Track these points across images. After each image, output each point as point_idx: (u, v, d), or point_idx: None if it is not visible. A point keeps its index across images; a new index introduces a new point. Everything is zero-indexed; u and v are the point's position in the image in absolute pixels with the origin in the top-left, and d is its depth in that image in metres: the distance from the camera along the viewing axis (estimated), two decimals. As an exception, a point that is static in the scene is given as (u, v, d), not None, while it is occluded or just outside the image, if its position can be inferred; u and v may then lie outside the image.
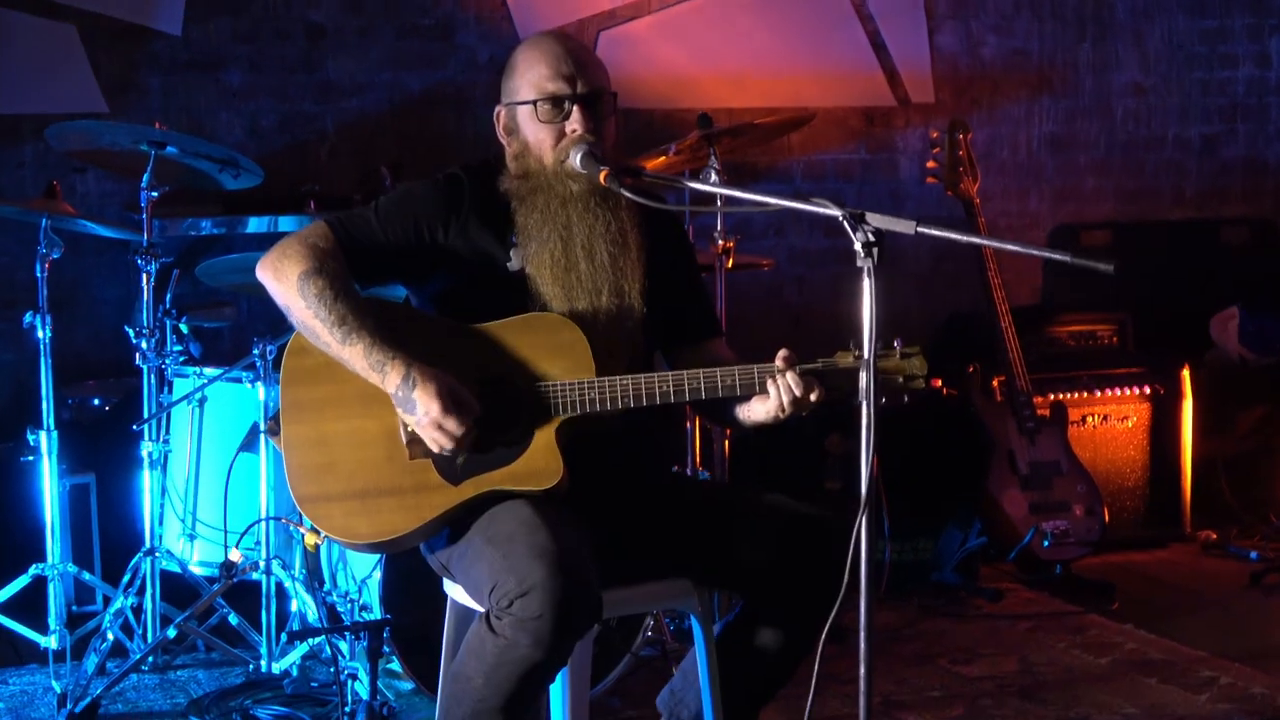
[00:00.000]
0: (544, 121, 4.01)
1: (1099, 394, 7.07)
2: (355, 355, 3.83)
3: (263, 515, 5.26)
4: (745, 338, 7.12)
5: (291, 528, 5.27)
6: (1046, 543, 6.42)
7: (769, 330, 7.78)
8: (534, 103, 4.01)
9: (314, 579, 5.37)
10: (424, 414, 3.77)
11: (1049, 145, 8.32)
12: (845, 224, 3.56)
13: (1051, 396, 6.88)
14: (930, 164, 6.83)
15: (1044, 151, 8.32)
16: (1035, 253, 3.65)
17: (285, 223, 6.62)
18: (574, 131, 3.99)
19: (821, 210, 3.64)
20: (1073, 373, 7.07)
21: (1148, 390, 7.14)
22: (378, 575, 4.98)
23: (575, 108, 3.99)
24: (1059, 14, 8.25)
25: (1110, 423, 7.08)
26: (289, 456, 3.93)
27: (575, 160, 3.96)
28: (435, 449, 3.82)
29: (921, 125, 8.02)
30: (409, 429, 3.85)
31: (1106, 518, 6.56)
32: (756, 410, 3.95)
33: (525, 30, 7.38)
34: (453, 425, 3.76)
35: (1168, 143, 8.52)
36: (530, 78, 4.03)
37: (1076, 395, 7.02)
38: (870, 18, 7.92)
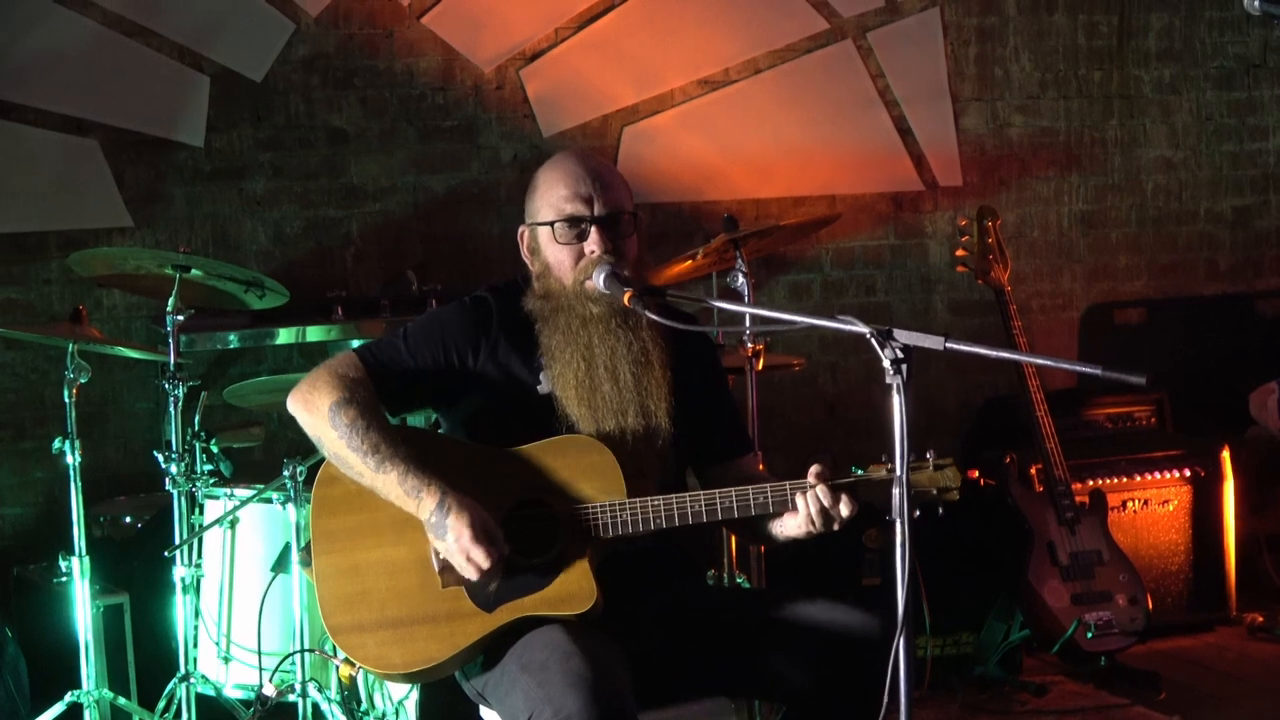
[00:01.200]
0: (562, 243, 4.07)
1: (1138, 478, 7.05)
2: (389, 483, 3.87)
3: (297, 640, 5.26)
4: (779, 429, 7.18)
5: (328, 660, 5.28)
6: (1090, 634, 6.39)
7: (803, 419, 7.79)
8: (552, 224, 4.06)
9: (350, 701, 5.37)
10: (454, 540, 3.81)
11: (1080, 223, 8.34)
12: (873, 341, 3.56)
13: (1090, 483, 6.86)
14: (960, 252, 6.85)
15: (1075, 229, 8.34)
16: (1066, 367, 3.67)
17: (313, 332, 6.68)
18: (592, 253, 4.04)
19: (849, 328, 3.65)
20: (1111, 457, 7.05)
21: (1188, 472, 7.12)
22: (415, 698, 4.99)
23: (594, 229, 4.04)
24: (1085, 91, 8.28)
25: (1151, 507, 7.06)
26: (321, 587, 3.96)
27: (598, 281, 3.99)
28: (466, 576, 3.85)
29: (950, 208, 8.05)
30: (441, 556, 3.87)
31: (1150, 606, 6.53)
32: (789, 526, 3.97)
33: (548, 128, 7.45)
34: (480, 556, 3.80)
35: (1200, 216, 8.53)
36: (550, 199, 4.08)
37: (1115, 480, 7.00)
38: (895, 102, 7.96)
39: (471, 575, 3.83)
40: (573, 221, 4.06)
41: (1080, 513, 6.61)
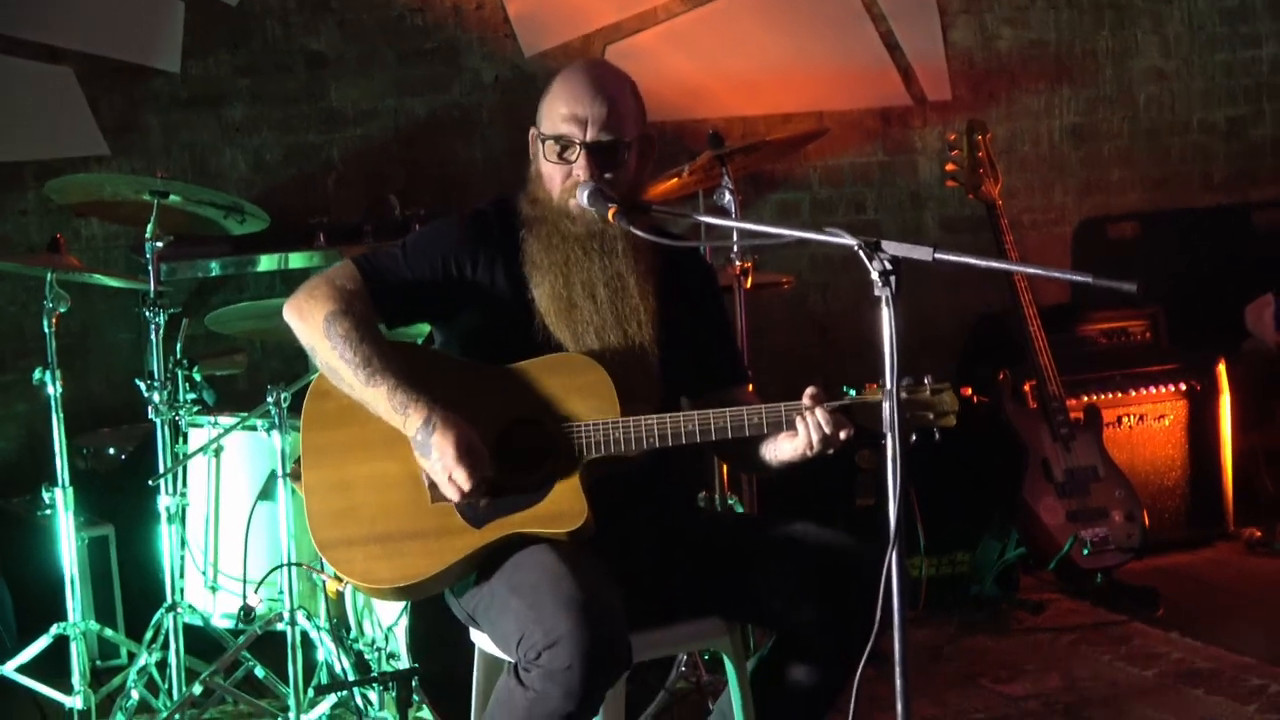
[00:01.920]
0: (551, 160, 4.05)
1: (1133, 393, 7.06)
2: (379, 397, 3.88)
3: (285, 558, 5.27)
4: (770, 352, 7.18)
5: (314, 575, 5.30)
6: (1086, 551, 6.42)
7: (795, 342, 7.80)
8: (544, 139, 4.06)
9: (340, 628, 5.39)
10: (437, 459, 3.82)
11: (1071, 137, 8.33)
12: (861, 254, 3.55)
13: (1085, 399, 6.88)
14: (950, 167, 6.84)
15: (1066, 143, 8.33)
16: (1057, 275, 3.66)
17: (295, 259, 6.67)
18: (576, 177, 4.02)
19: (837, 240, 3.63)
20: (1106, 372, 7.06)
21: (1184, 387, 7.13)
22: (404, 623, 5.01)
23: (583, 154, 4.01)
24: (1075, 2, 8.26)
25: (1146, 422, 7.07)
26: (310, 501, 3.97)
27: (581, 198, 3.98)
28: (446, 495, 3.86)
29: (939, 123, 8.03)
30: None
31: (1147, 522, 6.56)
32: (784, 448, 3.96)
33: (530, 48, 7.42)
34: (461, 477, 3.80)
35: (1193, 127, 8.53)
36: (550, 111, 4.07)
37: (1110, 396, 7.01)
38: (882, 16, 7.94)
39: (453, 496, 3.83)
40: (563, 142, 4.04)
41: (1075, 429, 6.63)
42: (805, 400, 3.88)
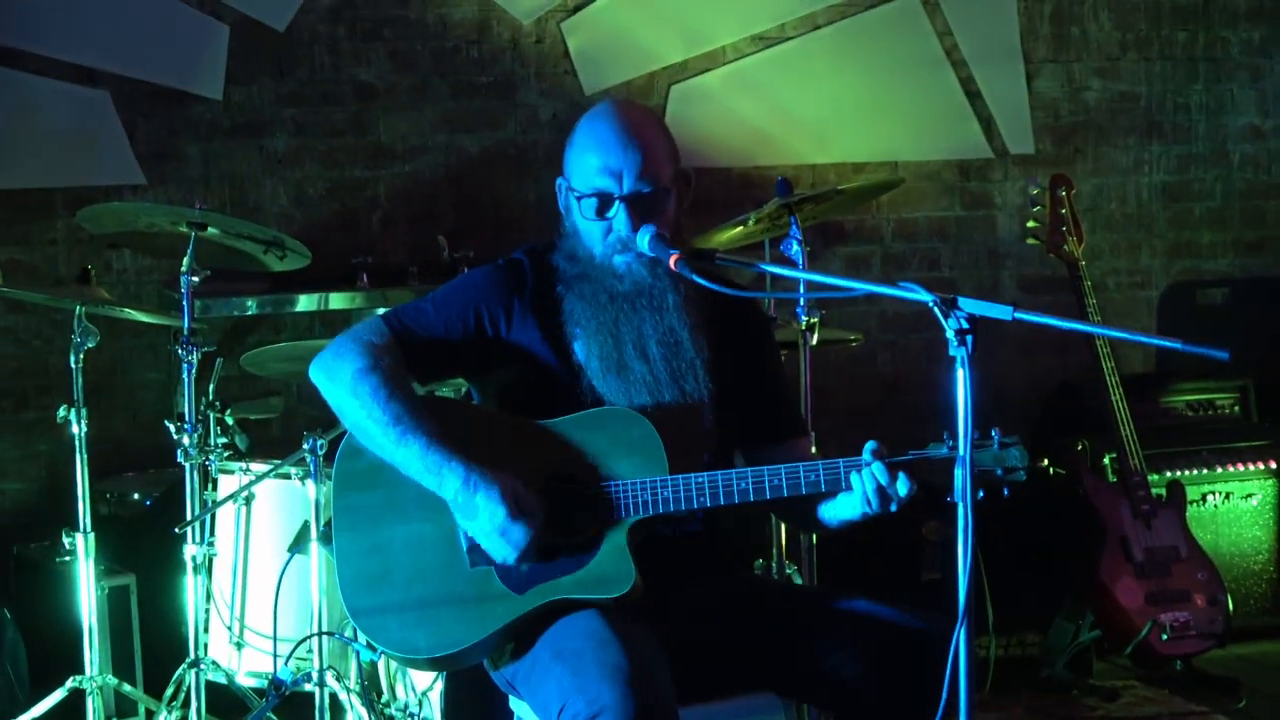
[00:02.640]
0: (588, 218, 4.05)
1: (1220, 469, 7.02)
2: (411, 457, 3.87)
3: (315, 626, 5.27)
4: (834, 412, 7.16)
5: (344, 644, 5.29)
6: (1165, 636, 6.36)
7: (859, 401, 7.78)
8: (580, 197, 4.05)
9: (371, 691, 5.38)
10: (487, 520, 3.80)
11: (1161, 195, 8.30)
12: (936, 311, 3.53)
13: (1168, 474, 6.84)
14: (1030, 223, 6.82)
15: (1155, 202, 8.29)
16: (1143, 340, 3.64)
17: (336, 300, 6.69)
18: (618, 233, 4.01)
19: (910, 295, 3.62)
20: (1191, 447, 7.02)
21: (1273, 464, 7.09)
22: (439, 688, 5.00)
23: (622, 209, 4.00)
24: (1168, 53, 8.24)
25: (1233, 501, 7.03)
26: (341, 566, 3.97)
27: (643, 243, 3.96)
28: (498, 559, 3.85)
29: (1021, 177, 8.01)
30: (469, 535, 3.87)
31: (1231, 607, 6.50)
32: (843, 507, 3.95)
33: (590, 85, 7.44)
34: (518, 535, 3.79)
35: (1290, 189, 8.50)
36: (580, 165, 4.05)
37: (1195, 472, 6.97)
38: (963, 62, 7.93)
39: (507, 557, 3.82)
40: (599, 198, 4.03)
41: (1157, 506, 6.58)
42: (865, 455, 3.86)
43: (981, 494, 3.74)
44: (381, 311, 4.12)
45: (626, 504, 3.90)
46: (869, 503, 3.86)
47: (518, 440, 3.98)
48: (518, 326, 4.06)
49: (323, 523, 5.19)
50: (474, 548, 3.88)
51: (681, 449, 3.95)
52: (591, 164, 4.02)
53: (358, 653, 5.18)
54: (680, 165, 4.14)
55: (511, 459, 3.90)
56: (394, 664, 5.36)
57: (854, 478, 3.85)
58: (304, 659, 5.35)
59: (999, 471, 3.90)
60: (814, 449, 4.44)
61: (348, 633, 5.23)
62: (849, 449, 3.91)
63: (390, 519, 3.96)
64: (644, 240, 3.96)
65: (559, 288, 4.08)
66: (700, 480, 3.89)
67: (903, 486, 3.84)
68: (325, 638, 5.26)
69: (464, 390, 4.57)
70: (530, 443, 3.96)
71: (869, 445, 3.87)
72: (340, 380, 3.94)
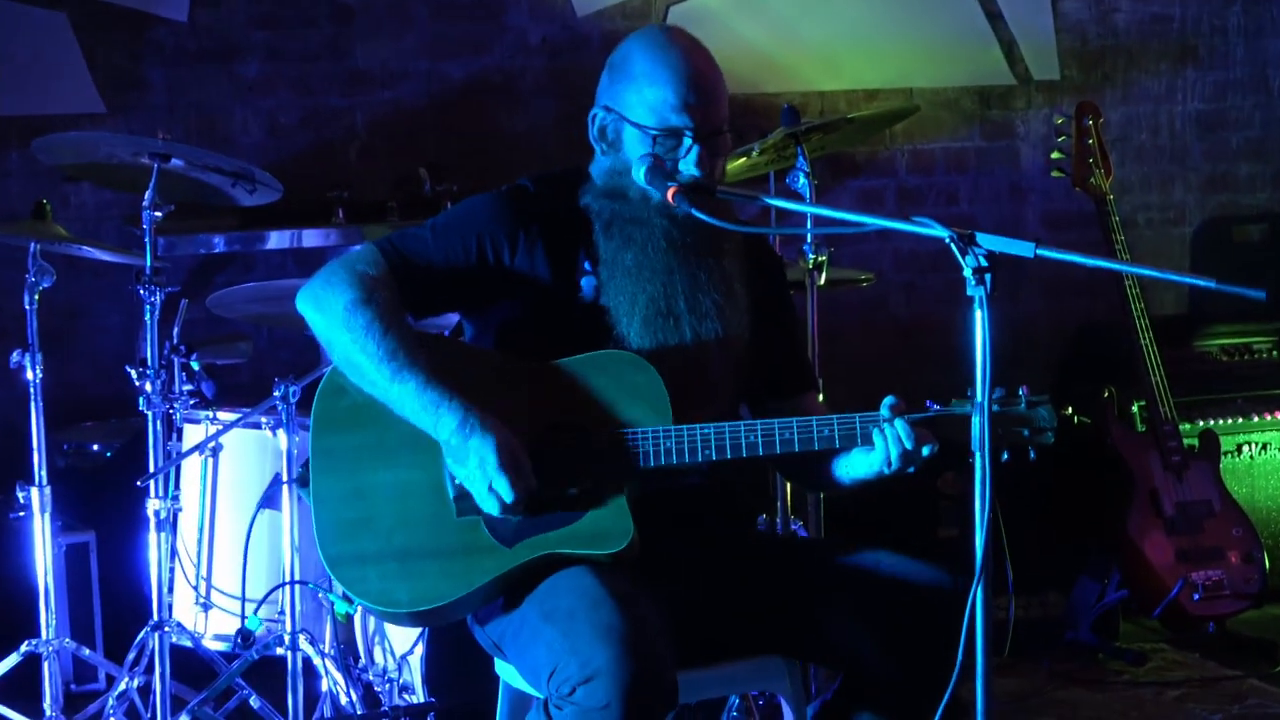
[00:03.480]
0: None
1: (1256, 419, 7.02)
2: (406, 395, 3.87)
3: (287, 579, 5.28)
4: (845, 359, 7.13)
5: (320, 594, 5.30)
6: (1197, 595, 6.37)
7: (873, 349, 7.78)
8: (652, 133, 4.02)
9: (347, 655, 5.39)
10: (475, 467, 3.80)
11: (1195, 125, 8.29)
12: (953, 248, 3.52)
13: (1201, 423, 6.84)
14: (1055, 155, 6.80)
15: (1189, 132, 8.29)
16: (1174, 278, 3.63)
17: (310, 237, 6.69)
18: (686, 171, 3.99)
19: (925, 231, 3.61)
20: (1226, 394, 7.03)
21: (1315, 413, 7.10)
22: (420, 651, 5.01)
23: (696, 149, 3.99)
24: (1204, -28, 8.24)
25: (1270, 452, 7.03)
26: (319, 511, 3.95)
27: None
28: (486, 510, 3.85)
29: (1045, 106, 8.01)
30: (458, 482, 3.87)
31: (1268, 565, 6.51)
32: (858, 464, 3.95)
33: (583, 7, 7.42)
34: (504, 487, 3.79)
35: (1336, 118, 8.49)
36: (649, 97, 4.01)
37: (1230, 421, 6.97)
38: (983, -18, 7.93)
39: (492, 509, 3.82)
40: (675, 135, 4.01)
41: (1188, 457, 6.58)
42: (884, 411, 3.86)
43: (1006, 455, 3.76)
44: (376, 239, 4.10)
45: (627, 454, 3.89)
46: (889, 463, 3.87)
47: (516, 382, 3.98)
48: (522, 258, 4.04)
49: (295, 472, 5.19)
50: (462, 495, 3.87)
51: (689, 397, 3.95)
52: (665, 97, 3.99)
53: (333, 604, 5.18)
54: None
55: (508, 402, 3.90)
56: (372, 626, 5.37)
57: (875, 435, 3.86)
58: (275, 620, 5.35)
59: (1025, 432, 3.90)
60: (821, 398, 4.43)
61: (323, 585, 5.24)
62: (859, 398, 3.91)
63: (374, 463, 3.95)
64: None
65: (593, 225, 4.07)
66: (706, 432, 3.89)
67: (924, 445, 3.86)
68: (297, 594, 5.26)
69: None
70: (528, 386, 3.97)
71: (887, 400, 3.87)
72: (331, 312, 3.93)
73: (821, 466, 4.04)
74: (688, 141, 3.99)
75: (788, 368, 4.28)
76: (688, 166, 3.98)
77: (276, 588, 5.32)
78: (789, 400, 4.21)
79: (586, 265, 4.05)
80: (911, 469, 3.89)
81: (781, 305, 4.32)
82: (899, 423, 3.84)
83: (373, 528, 3.92)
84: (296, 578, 5.28)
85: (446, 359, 3.95)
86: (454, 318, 5.04)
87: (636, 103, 4.03)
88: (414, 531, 3.91)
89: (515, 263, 4.05)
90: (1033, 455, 3.90)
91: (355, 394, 3.94)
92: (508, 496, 3.79)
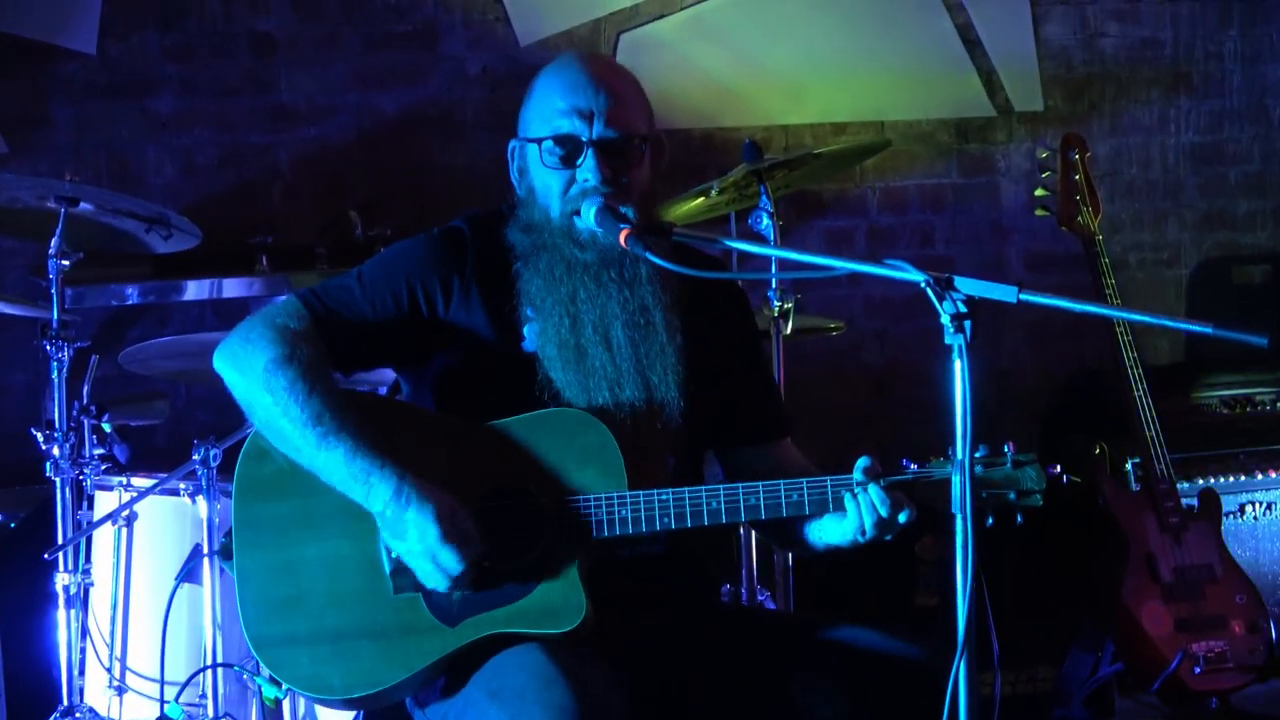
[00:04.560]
0: (550, 167, 4.04)
1: (1260, 476, 7.03)
2: (333, 463, 3.85)
3: (209, 662, 5.26)
4: (814, 412, 7.14)
5: (246, 677, 5.28)
6: (1198, 669, 6.38)
7: (845, 402, 7.80)
8: (540, 142, 4.05)
9: (276, 738, 5.39)
10: (416, 540, 3.79)
11: (1190, 158, 8.34)
12: (929, 292, 3.54)
13: (1200, 482, 6.86)
14: (1040, 192, 6.83)
15: (1184, 166, 8.34)
16: (1169, 324, 3.64)
17: (231, 286, 6.68)
18: (585, 181, 4.01)
19: (899, 275, 3.63)
20: (1227, 450, 7.04)
21: (1323, 470, 7.13)
22: (355, 736, 5.00)
23: (590, 152, 4.01)
24: (1196, -7, 8.31)
25: (1275, 512, 7.05)
26: (243, 588, 3.95)
27: (589, 216, 3.97)
28: (428, 586, 3.85)
29: (1028, 139, 8.05)
30: (395, 556, 3.87)
31: (1274, 634, 6.53)
32: (829, 531, 3.96)
33: (526, 35, 7.45)
34: (450, 560, 3.78)
35: (1340, 150, 8.55)
36: (544, 110, 4.06)
37: (1232, 479, 6.99)
38: (960, 6, 7.97)
39: (438, 584, 3.82)
40: (565, 142, 4.03)
41: (1188, 518, 6.60)
42: (856, 474, 3.87)
43: (990, 520, 3.77)
44: (299, 290, 4.09)
45: (579, 523, 3.89)
46: (862, 530, 3.87)
47: (456, 444, 3.97)
48: (458, 306, 4.05)
49: (217, 543, 5.17)
50: (399, 570, 3.87)
51: (642, 454, 3.96)
52: (556, 106, 4.03)
53: (260, 688, 5.17)
54: (656, 132, 4.16)
55: (448, 466, 3.90)
56: (302, 709, 5.35)
57: (848, 502, 3.86)
58: (197, 706, 5.34)
59: (1011, 495, 3.91)
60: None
61: (249, 667, 5.22)
62: (830, 455, 3.93)
63: (302, 534, 3.94)
64: (590, 212, 3.96)
65: (515, 265, 4.07)
66: (665, 498, 3.89)
67: (900, 512, 3.86)
68: (220, 677, 5.24)
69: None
70: (469, 448, 3.96)
71: (860, 462, 3.87)
72: (250, 371, 3.93)
73: (792, 530, 4.05)
74: (583, 149, 4.00)
75: (758, 413, 4.28)
76: (584, 174, 4.00)
77: (199, 671, 5.30)
78: (759, 449, 4.23)
79: (529, 312, 4.05)
80: (888, 537, 3.89)
81: (743, 345, 4.33)
82: (873, 488, 3.84)
83: (303, 606, 3.91)
84: (220, 659, 5.26)
85: (380, 419, 3.94)
86: (390, 373, 5.04)
87: (533, 118, 4.10)
88: (348, 610, 3.91)
89: (451, 312, 4.06)
90: (1020, 520, 3.91)
91: (280, 458, 3.94)
92: (454, 568, 3.78)
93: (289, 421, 3.88)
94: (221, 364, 4.00)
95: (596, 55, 4.24)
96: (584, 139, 4.01)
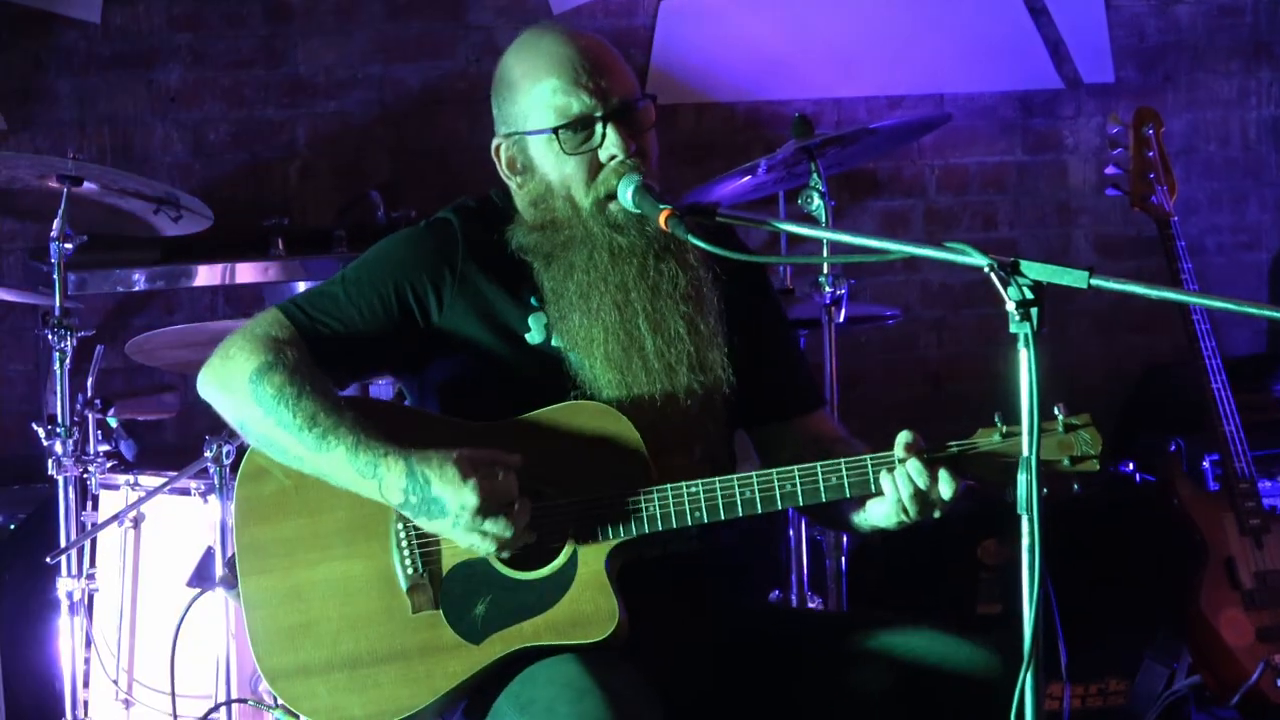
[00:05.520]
0: (570, 153, 4.01)
1: (1348, 475, 7.05)
2: (336, 463, 3.84)
3: (223, 692, 5.25)
4: (866, 405, 7.17)
5: (264, 709, 5.28)
6: (1281, 681, 6.40)
7: (899, 395, 7.80)
8: (555, 131, 4.03)
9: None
10: (459, 511, 3.76)
11: (1271, 134, 8.32)
12: (993, 278, 3.53)
13: (1284, 481, 6.87)
14: (1109, 169, 6.83)
15: (1265, 142, 8.32)
16: (1252, 312, 3.63)
17: (244, 271, 6.69)
18: (614, 159, 3.99)
19: (960, 260, 3.62)
20: (1312, 447, 7.05)
21: None
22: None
23: (610, 128, 3.99)
24: (1280, -43, 8.29)
25: (1365, 514, 7.05)
26: (252, 617, 3.94)
27: (626, 197, 3.95)
28: (482, 552, 3.83)
29: (1097, 113, 8.04)
30: (410, 570, 3.86)
31: (1364, 645, 6.53)
32: (874, 513, 3.92)
33: (560, 3, 7.45)
34: (499, 526, 3.76)
35: None
36: (539, 97, 4.02)
37: (1318, 478, 7.00)
38: (1026, -29, 7.98)
39: (495, 549, 3.80)
40: (580, 123, 4.00)
41: (1270, 520, 6.60)
42: (897, 450, 3.84)
43: (1045, 490, 3.74)
44: (280, 303, 4.06)
45: (605, 522, 3.88)
46: (904, 510, 3.84)
47: (469, 445, 3.91)
48: (454, 303, 4.02)
49: (225, 558, 5.18)
50: (416, 587, 3.85)
51: (672, 444, 3.95)
52: (556, 86, 3.99)
53: (278, 720, 5.19)
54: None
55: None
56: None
57: (885, 480, 3.85)
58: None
59: (1066, 461, 3.88)
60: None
61: (265, 697, 5.23)
62: (883, 449, 3.91)
63: (309, 556, 3.94)
64: (628, 192, 3.94)
65: (535, 265, 4.04)
66: (694, 490, 3.86)
67: (945, 488, 3.81)
68: (235, 712, 5.26)
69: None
70: (477, 446, 3.93)
71: (901, 437, 3.83)
72: (234, 387, 3.91)
73: (836, 510, 4.01)
74: (599, 127, 3.99)
75: (787, 387, 4.27)
76: (609, 149, 3.98)
77: (213, 709, 5.29)
78: (791, 423, 4.22)
79: (533, 301, 4.04)
80: (935, 514, 3.85)
81: (770, 316, 4.32)
82: (912, 461, 3.80)
83: (315, 633, 3.91)
84: (235, 672, 5.26)
85: (379, 422, 3.90)
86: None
87: (528, 109, 4.05)
88: (364, 634, 3.90)
89: (446, 311, 4.04)
90: (1077, 489, 3.88)
91: (280, 476, 3.94)
92: (506, 532, 3.77)
93: (283, 429, 3.86)
94: (205, 387, 3.98)
95: (555, 26, 4.20)
96: (598, 115, 3.98)
